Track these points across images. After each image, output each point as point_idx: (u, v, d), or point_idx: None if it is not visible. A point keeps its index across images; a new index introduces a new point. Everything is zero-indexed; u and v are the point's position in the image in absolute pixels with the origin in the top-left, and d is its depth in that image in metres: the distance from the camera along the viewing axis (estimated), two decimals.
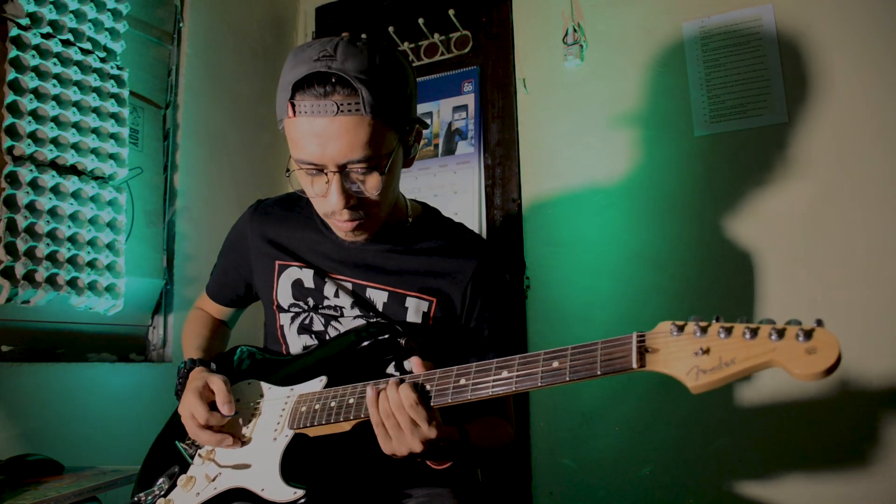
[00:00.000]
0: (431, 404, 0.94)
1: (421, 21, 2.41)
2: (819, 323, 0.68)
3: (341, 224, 1.11)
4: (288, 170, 1.10)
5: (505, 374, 0.89)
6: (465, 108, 2.37)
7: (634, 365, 0.77)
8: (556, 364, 0.84)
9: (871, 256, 1.77)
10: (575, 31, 2.21)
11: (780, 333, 0.68)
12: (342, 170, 1.03)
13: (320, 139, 1.00)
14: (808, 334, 0.67)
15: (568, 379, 0.82)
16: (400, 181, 1.20)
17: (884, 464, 1.69)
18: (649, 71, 2.10)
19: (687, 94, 2.03)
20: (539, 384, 0.85)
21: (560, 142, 2.21)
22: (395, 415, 0.94)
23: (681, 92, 2.04)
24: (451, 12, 2.37)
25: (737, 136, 1.95)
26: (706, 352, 0.72)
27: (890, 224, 1.76)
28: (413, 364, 1.02)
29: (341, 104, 0.98)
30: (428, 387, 0.95)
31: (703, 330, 0.74)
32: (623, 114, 2.12)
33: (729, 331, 0.72)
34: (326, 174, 1.04)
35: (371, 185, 1.06)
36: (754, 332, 0.70)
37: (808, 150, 1.87)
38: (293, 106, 1.01)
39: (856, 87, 1.83)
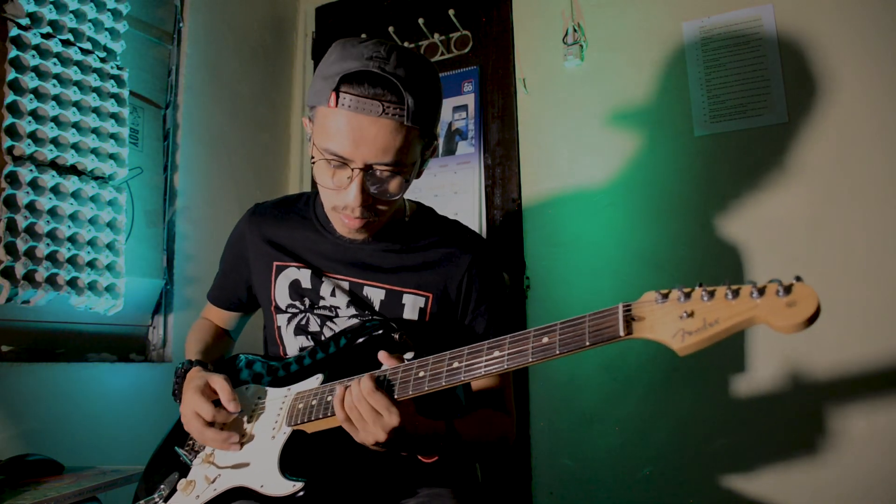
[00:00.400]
0: (411, 391, 0.96)
1: (421, 21, 2.41)
2: (798, 279, 0.70)
3: (349, 221, 1.12)
4: (312, 157, 1.10)
5: (497, 353, 0.90)
6: (465, 108, 2.37)
7: (622, 333, 0.78)
8: (545, 340, 0.86)
9: (871, 256, 1.76)
10: (575, 31, 2.21)
11: (761, 291, 0.71)
12: (368, 169, 1.05)
13: (356, 136, 1.02)
14: (788, 289, 0.69)
15: (558, 352, 0.84)
16: None
17: (886, 463, 1.69)
18: (649, 71, 2.10)
19: (687, 94, 2.03)
20: (530, 360, 0.87)
21: (560, 142, 2.21)
22: (357, 406, 0.96)
23: (681, 92, 2.04)
24: (451, 12, 2.37)
25: (737, 136, 1.95)
26: (690, 315, 0.74)
27: (890, 224, 1.76)
28: (381, 358, 1.03)
29: (387, 107, 1.01)
30: (422, 373, 0.96)
31: (687, 295, 0.76)
32: (623, 114, 2.12)
33: (712, 293, 0.74)
34: (352, 169, 1.05)
35: (390, 189, 1.09)
36: (736, 293, 0.72)
37: (808, 151, 1.87)
38: (337, 96, 1.02)
39: (856, 87, 1.83)
